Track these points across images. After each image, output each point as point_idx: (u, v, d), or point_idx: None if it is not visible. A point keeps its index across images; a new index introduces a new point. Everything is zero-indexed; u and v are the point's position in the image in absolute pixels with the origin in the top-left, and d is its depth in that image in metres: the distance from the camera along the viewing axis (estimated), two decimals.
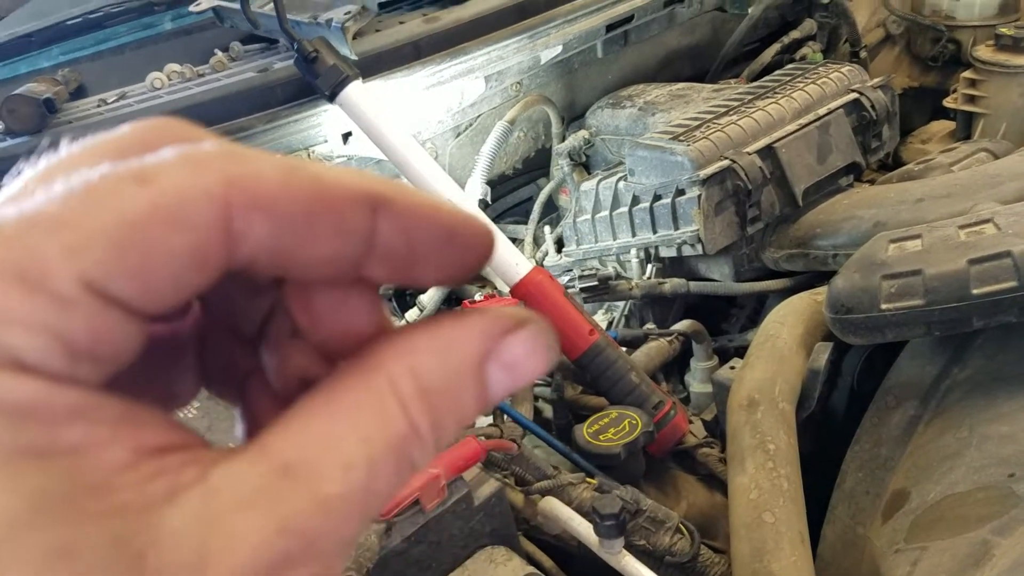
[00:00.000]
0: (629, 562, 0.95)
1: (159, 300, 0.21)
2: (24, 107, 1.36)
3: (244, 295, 0.26)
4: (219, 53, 1.56)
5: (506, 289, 1.35)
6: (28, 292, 0.19)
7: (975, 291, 1.00)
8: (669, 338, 1.43)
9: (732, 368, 1.25)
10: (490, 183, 1.82)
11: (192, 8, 1.65)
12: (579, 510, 1.05)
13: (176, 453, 0.20)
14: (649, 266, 1.55)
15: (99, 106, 1.45)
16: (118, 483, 0.19)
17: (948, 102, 2.09)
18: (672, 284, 1.47)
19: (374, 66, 1.53)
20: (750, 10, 2.04)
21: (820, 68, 1.61)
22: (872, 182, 1.67)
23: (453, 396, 0.22)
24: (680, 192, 1.42)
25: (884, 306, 1.07)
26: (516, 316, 0.23)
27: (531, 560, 1.08)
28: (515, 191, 2.11)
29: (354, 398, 0.22)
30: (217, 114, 1.44)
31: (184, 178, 0.20)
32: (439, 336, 0.23)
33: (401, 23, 1.61)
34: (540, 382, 1.50)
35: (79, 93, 1.54)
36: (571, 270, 1.69)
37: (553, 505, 1.04)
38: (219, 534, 0.19)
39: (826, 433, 1.26)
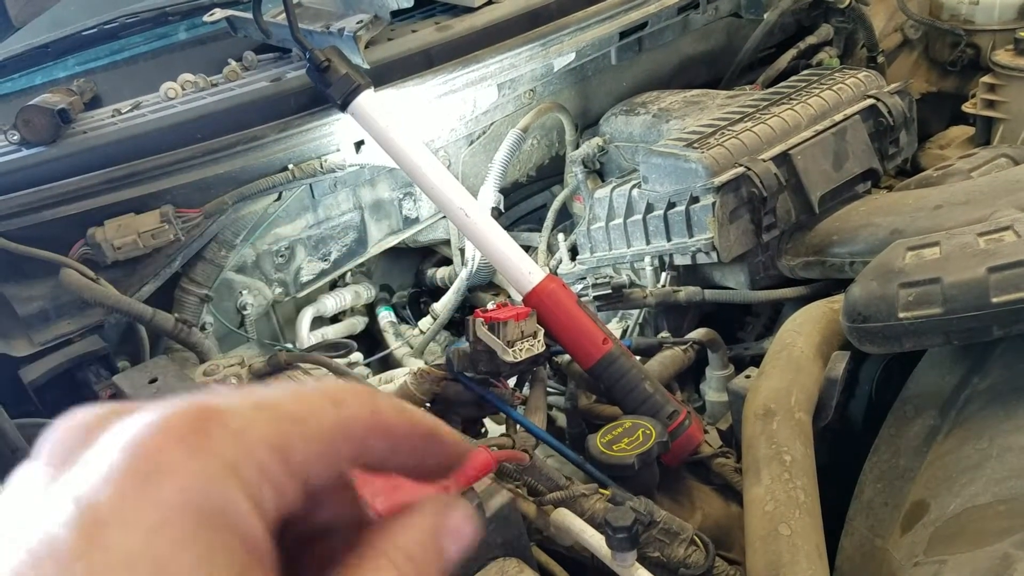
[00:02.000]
0: (642, 575, 0.94)
1: (321, 482, 0.30)
2: (39, 118, 1.37)
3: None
4: (232, 63, 1.57)
5: (519, 297, 1.35)
6: (279, 462, 0.27)
7: (995, 299, 0.99)
8: (684, 347, 1.41)
9: (748, 377, 1.24)
10: (503, 191, 1.82)
11: (206, 18, 1.65)
12: (592, 522, 1.04)
13: None
14: (663, 274, 1.54)
15: (113, 116, 1.45)
16: None
17: (967, 107, 2.07)
18: (687, 292, 1.46)
19: (386, 75, 1.53)
20: (766, 15, 2.02)
21: (836, 74, 1.59)
22: (890, 188, 1.65)
23: (427, 561, 0.31)
24: (694, 199, 1.41)
25: (902, 315, 1.06)
26: (446, 500, 0.33)
27: (543, 571, 1.07)
28: (529, 198, 2.11)
29: (372, 565, 0.30)
30: (230, 124, 1.45)
31: (358, 408, 0.30)
32: (407, 523, 0.32)
33: (413, 32, 1.61)
34: (553, 390, 1.49)
35: (94, 103, 1.55)
36: (585, 278, 1.68)
37: (565, 516, 1.03)
38: None
39: (843, 443, 1.25)
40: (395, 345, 1.90)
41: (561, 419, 1.45)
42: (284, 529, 0.30)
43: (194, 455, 0.25)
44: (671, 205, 1.46)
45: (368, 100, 1.37)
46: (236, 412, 0.27)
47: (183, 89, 1.51)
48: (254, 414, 0.28)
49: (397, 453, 0.32)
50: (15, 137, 1.39)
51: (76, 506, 0.24)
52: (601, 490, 1.10)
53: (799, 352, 1.20)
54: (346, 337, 1.88)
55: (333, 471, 0.30)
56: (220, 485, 0.25)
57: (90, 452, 0.26)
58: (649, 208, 1.51)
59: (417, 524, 0.32)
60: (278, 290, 1.70)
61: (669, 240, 1.49)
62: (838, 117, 1.48)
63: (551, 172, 2.04)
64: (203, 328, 1.54)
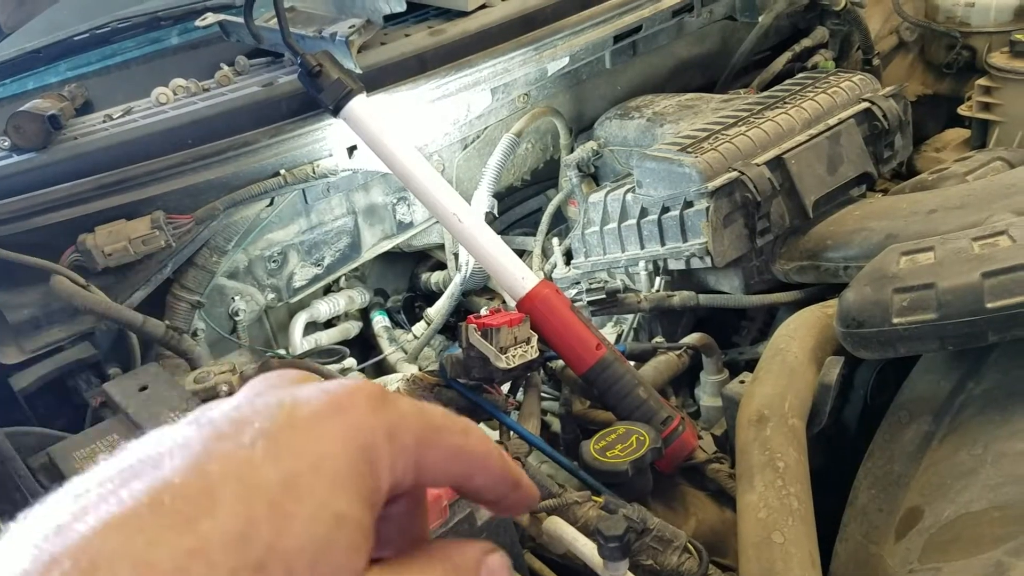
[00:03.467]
0: None
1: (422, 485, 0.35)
2: (29, 124, 1.36)
3: None
4: (224, 67, 1.56)
5: (512, 303, 1.34)
6: (417, 455, 0.33)
7: (989, 305, 0.98)
8: (678, 352, 1.41)
9: (742, 382, 1.23)
10: (498, 195, 1.81)
11: (198, 23, 1.65)
12: (584, 529, 1.03)
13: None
14: (658, 279, 1.53)
15: (104, 121, 1.45)
16: (367, 545, 0.31)
17: (963, 110, 2.07)
18: (681, 297, 1.45)
19: (379, 79, 1.52)
20: (760, 18, 2.02)
21: (831, 77, 1.59)
22: (885, 191, 1.65)
23: None
24: (688, 204, 1.40)
25: (896, 320, 1.05)
26: (489, 546, 0.36)
27: None
28: (523, 203, 2.10)
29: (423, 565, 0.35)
30: (222, 129, 1.44)
31: (478, 443, 0.36)
32: (452, 550, 0.36)
33: (406, 36, 1.60)
34: (547, 396, 1.49)
35: (85, 108, 1.54)
36: (579, 282, 1.68)
37: (557, 525, 1.03)
38: None
39: (838, 449, 1.24)
40: (389, 350, 1.89)
41: (555, 424, 1.44)
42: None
43: (373, 412, 0.32)
44: (665, 210, 1.45)
45: (360, 105, 1.36)
46: (406, 402, 0.34)
47: (175, 94, 1.50)
48: (416, 410, 0.34)
49: (487, 490, 0.37)
50: (6, 143, 1.38)
51: (279, 408, 0.31)
52: (594, 497, 1.10)
53: (793, 357, 1.19)
54: (340, 342, 1.87)
55: (439, 482, 0.35)
56: (381, 440, 0.32)
57: (297, 387, 0.33)
58: (643, 213, 1.51)
59: (462, 554, 0.36)
60: (271, 296, 1.69)
61: (663, 245, 1.48)
62: (832, 121, 1.47)
63: (546, 176, 2.03)
64: (195, 335, 1.53)
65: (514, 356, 1.20)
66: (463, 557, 0.36)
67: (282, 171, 1.51)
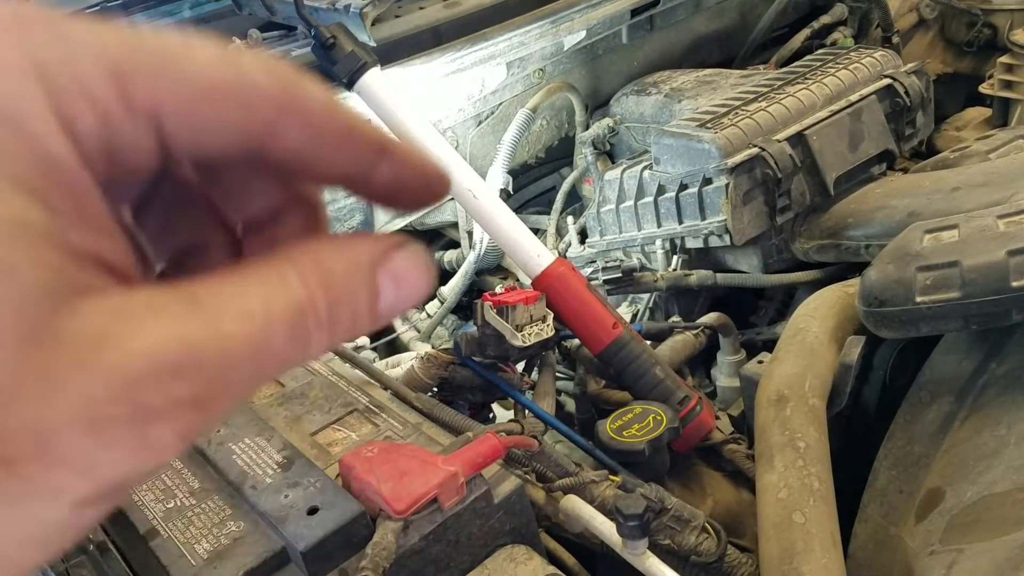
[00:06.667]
0: (653, 563, 0.92)
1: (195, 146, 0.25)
2: None
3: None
4: (237, 41, 1.54)
5: (527, 281, 1.33)
6: (118, 93, 0.23)
7: (1015, 283, 0.97)
8: (695, 331, 1.39)
9: (760, 362, 1.22)
10: (512, 173, 1.79)
11: None
12: (602, 508, 1.02)
13: (121, 273, 0.23)
14: (675, 257, 1.52)
15: None
16: (72, 253, 0.22)
17: (984, 88, 2.04)
18: (698, 276, 1.44)
19: (393, 52, 1.50)
20: None
21: (852, 53, 1.56)
22: (905, 171, 1.63)
23: (348, 287, 0.25)
24: (707, 181, 1.38)
25: (919, 299, 1.04)
26: (400, 238, 0.27)
27: (553, 558, 1.06)
28: (538, 181, 2.09)
29: (261, 271, 0.24)
30: None
31: (269, 80, 0.25)
32: (338, 241, 0.26)
33: (421, 8, 1.59)
34: (562, 376, 1.48)
35: None
36: (594, 261, 1.67)
37: (575, 504, 1.02)
38: (125, 325, 0.21)
39: (857, 430, 1.23)
40: (402, 329, 1.88)
41: (570, 404, 1.44)
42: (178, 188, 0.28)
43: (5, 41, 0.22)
44: (683, 187, 1.44)
45: (374, 78, 1.35)
46: (80, 26, 0.23)
47: None
48: (106, 36, 0.23)
49: (319, 150, 0.26)
50: None
51: None
52: (611, 476, 1.09)
53: (813, 337, 1.18)
54: None
55: (224, 140, 0.25)
56: (16, 81, 0.21)
57: None
58: (660, 190, 1.49)
59: (349, 247, 0.26)
60: None
61: (681, 223, 1.47)
62: (854, 97, 1.45)
63: (560, 154, 2.01)
64: None
65: (530, 334, 1.19)
66: (342, 255, 0.26)
67: None
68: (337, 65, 1.34)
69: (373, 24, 1.47)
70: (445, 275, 1.99)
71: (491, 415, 1.34)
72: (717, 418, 1.29)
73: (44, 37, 0.22)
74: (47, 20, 0.22)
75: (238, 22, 1.65)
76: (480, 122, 1.83)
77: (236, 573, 0.75)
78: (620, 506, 0.92)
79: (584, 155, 1.85)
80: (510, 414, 1.24)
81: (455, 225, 1.94)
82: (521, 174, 1.97)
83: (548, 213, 1.94)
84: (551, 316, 1.22)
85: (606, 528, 0.97)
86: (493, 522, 0.92)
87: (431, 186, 0.30)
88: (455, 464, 0.86)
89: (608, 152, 1.86)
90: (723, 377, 1.41)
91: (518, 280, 1.69)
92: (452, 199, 1.80)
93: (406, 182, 0.29)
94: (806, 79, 1.49)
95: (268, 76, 0.25)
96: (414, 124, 1.35)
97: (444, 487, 0.86)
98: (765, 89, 1.49)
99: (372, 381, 1.15)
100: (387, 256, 0.26)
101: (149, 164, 0.25)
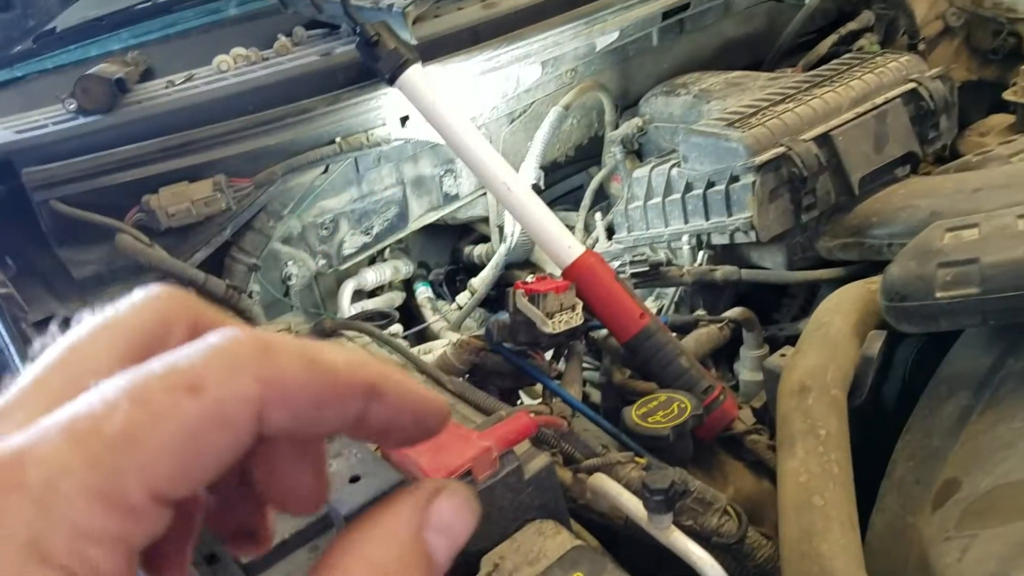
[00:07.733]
0: (678, 537, 0.96)
1: (198, 487, 0.25)
2: (97, 87, 1.41)
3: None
4: (283, 38, 1.60)
5: (558, 272, 1.37)
6: (109, 510, 0.22)
7: None
8: (720, 324, 1.43)
9: (783, 356, 1.25)
10: (542, 170, 1.84)
11: None
12: (627, 489, 1.06)
13: None
14: (700, 253, 1.55)
15: (167, 87, 1.49)
16: None
17: (1008, 95, 2.05)
18: (724, 271, 1.47)
19: (433, 50, 1.55)
20: (807, 0, 2.02)
21: (878, 57, 1.59)
22: (928, 175, 1.65)
23: (402, 569, 0.26)
24: (734, 179, 1.42)
25: (939, 294, 1.07)
26: (435, 485, 0.28)
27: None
28: (566, 179, 2.13)
29: None
30: (280, 96, 1.48)
31: (228, 387, 0.24)
32: (378, 524, 0.27)
33: (460, 8, 1.63)
34: (588, 366, 1.51)
35: (147, 76, 1.59)
36: (622, 257, 1.70)
37: (603, 481, 1.06)
38: None
39: (876, 423, 1.26)
40: (433, 319, 1.93)
41: (595, 395, 1.47)
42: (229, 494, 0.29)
43: None
44: (710, 184, 1.47)
45: (416, 75, 1.40)
46: (42, 458, 0.22)
47: (235, 62, 1.54)
48: (68, 455, 0.22)
49: (320, 418, 0.26)
50: (72, 105, 1.43)
51: None
52: (637, 459, 1.13)
53: (836, 331, 1.21)
54: None
55: (214, 470, 0.24)
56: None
57: None
58: (688, 187, 1.53)
59: (390, 527, 0.27)
60: (322, 262, 1.74)
61: (707, 219, 1.50)
62: (879, 100, 1.48)
63: (589, 153, 2.05)
64: (250, 295, 1.58)
65: (560, 322, 1.23)
66: (384, 542, 0.26)
67: (337, 139, 1.55)
68: (380, 61, 1.39)
69: (414, 23, 1.52)
70: (474, 269, 2.03)
71: (519, 402, 1.37)
72: (740, 408, 1.32)
73: (23, 510, 0.22)
74: (16, 478, 0.22)
75: (283, 20, 1.69)
76: (512, 120, 1.87)
77: (285, 534, 0.80)
78: (647, 481, 0.96)
79: (613, 153, 1.88)
80: (538, 400, 1.28)
81: (486, 220, 1.98)
82: (551, 172, 2.01)
83: (576, 210, 1.98)
84: (580, 305, 1.26)
85: (632, 504, 1.00)
86: (523, 497, 0.96)
87: (425, 423, 0.29)
88: (489, 439, 0.90)
89: (636, 151, 1.90)
90: (746, 371, 1.44)
91: (548, 271, 1.73)
92: (485, 192, 1.85)
93: (398, 422, 0.28)
94: (833, 82, 1.52)
95: (238, 389, 0.25)
96: (453, 119, 1.40)
97: (478, 461, 0.89)
98: (792, 91, 1.52)
99: (408, 364, 1.20)
100: (429, 513, 0.27)
101: (165, 522, 0.25)
